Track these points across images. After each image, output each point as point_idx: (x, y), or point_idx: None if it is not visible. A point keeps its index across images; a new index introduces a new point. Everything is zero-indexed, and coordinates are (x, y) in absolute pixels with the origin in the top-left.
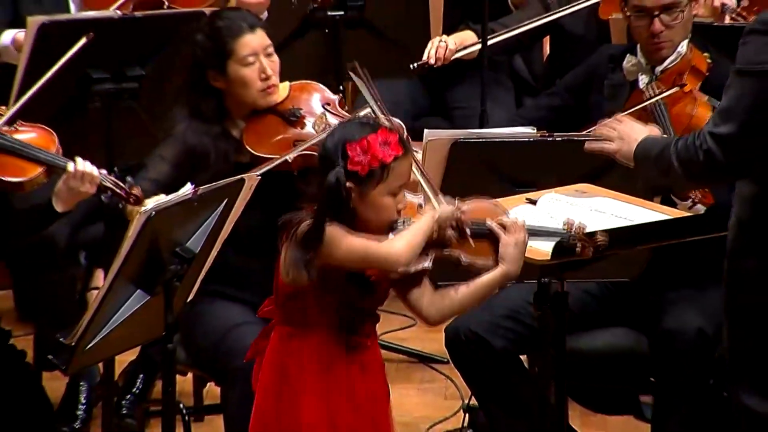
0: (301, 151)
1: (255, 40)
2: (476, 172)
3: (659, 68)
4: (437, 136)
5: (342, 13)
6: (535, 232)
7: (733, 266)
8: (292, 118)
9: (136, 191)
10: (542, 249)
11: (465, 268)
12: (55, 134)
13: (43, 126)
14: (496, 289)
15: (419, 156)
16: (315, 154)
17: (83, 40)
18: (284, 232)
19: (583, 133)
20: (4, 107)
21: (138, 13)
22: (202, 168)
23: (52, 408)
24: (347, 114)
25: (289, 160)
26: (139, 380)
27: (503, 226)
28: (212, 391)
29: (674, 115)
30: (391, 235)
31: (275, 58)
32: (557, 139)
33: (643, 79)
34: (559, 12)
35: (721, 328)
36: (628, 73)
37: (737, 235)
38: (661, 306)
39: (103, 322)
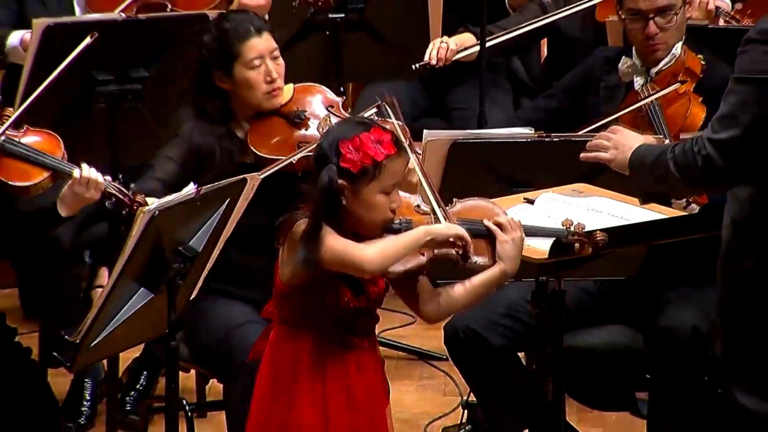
0: (306, 152)
1: (261, 44)
2: (475, 172)
3: (654, 70)
4: (436, 136)
5: (342, 15)
6: (534, 232)
7: (730, 267)
8: (297, 119)
9: (140, 198)
10: (540, 248)
11: (463, 267)
12: (60, 139)
13: (50, 131)
14: (495, 287)
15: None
16: None
17: (87, 40)
18: (281, 231)
19: (580, 133)
20: (11, 109)
21: (142, 16)
22: (208, 168)
23: (57, 404)
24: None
25: (294, 162)
26: (142, 377)
27: (500, 225)
28: (215, 388)
29: (669, 116)
30: (389, 236)
31: (281, 61)
32: (554, 139)
33: (638, 81)
34: (556, 14)
35: (716, 325)
36: (623, 74)
37: (733, 237)
38: (657, 304)
39: (107, 320)
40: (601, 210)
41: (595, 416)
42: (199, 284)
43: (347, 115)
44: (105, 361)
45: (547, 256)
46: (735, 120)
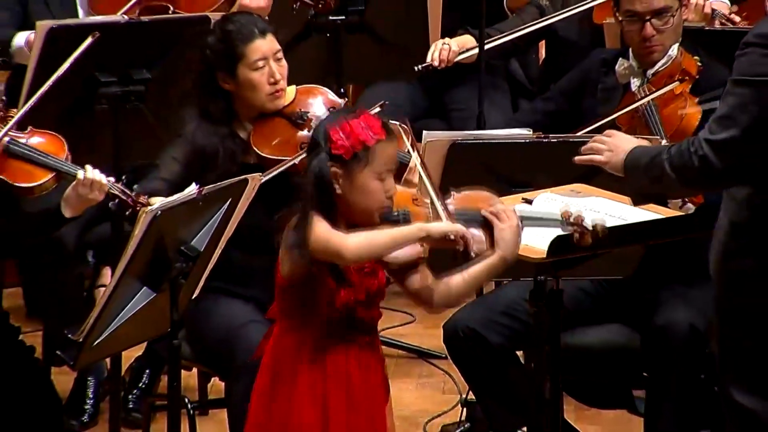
0: None
1: (265, 45)
2: (474, 173)
3: (651, 71)
4: (436, 137)
5: (343, 17)
6: (532, 220)
7: (728, 268)
8: (299, 121)
9: (143, 199)
10: (538, 247)
11: (464, 261)
12: (64, 141)
13: (54, 132)
14: (495, 274)
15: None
16: None
17: (89, 40)
18: (280, 227)
19: (578, 134)
20: (15, 110)
21: (144, 18)
22: (211, 168)
23: (61, 402)
24: None
25: (297, 163)
26: (145, 375)
27: (496, 214)
28: (216, 386)
29: (665, 117)
30: (386, 226)
31: (284, 62)
32: (552, 140)
33: (635, 82)
34: (554, 17)
35: (712, 324)
36: (620, 76)
37: (731, 238)
38: (654, 303)
39: (110, 319)
40: (598, 210)
41: (592, 414)
42: (201, 283)
43: None
44: (108, 360)
45: (545, 256)
46: (733, 121)
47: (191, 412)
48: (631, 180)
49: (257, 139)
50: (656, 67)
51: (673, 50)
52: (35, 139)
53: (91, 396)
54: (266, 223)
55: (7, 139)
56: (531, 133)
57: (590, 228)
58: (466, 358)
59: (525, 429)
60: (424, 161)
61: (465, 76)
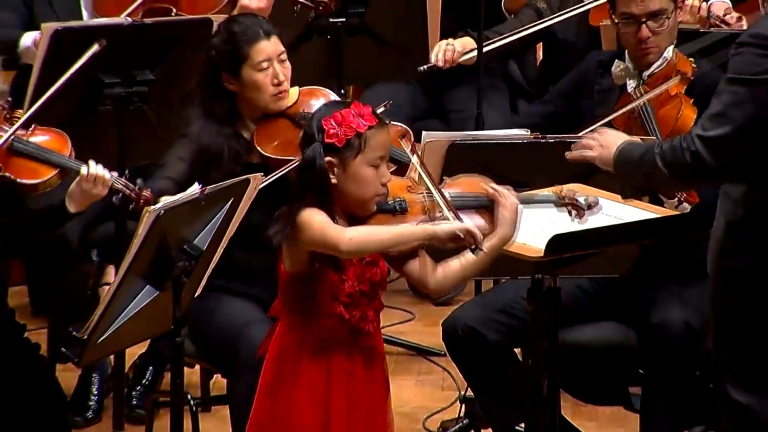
0: None
1: (270, 47)
2: (472, 173)
3: (646, 73)
4: (435, 137)
5: (343, 19)
6: (528, 201)
7: (725, 266)
8: (302, 121)
9: (146, 193)
10: (536, 246)
11: (471, 251)
12: (68, 137)
13: (57, 130)
14: (496, 253)
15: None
16: None
17: (95, 47)
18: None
19: (574, 135)
20: (20, 111)
21: (147, 20)
22: (215, 167)
23: (65, 399)
24: None
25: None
26: (148, 372)
27: (497, 194)
28: (219, 383)
29: (660, 117)
30: (383, 216)
31: (287, 64)
32: (550, 141)
33: (631, 84)
34: (552, 19)
35: (707, 322)
36: (616, 78)
37: (727, 236)
38: (650, 301)
39: (114, 317)
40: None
41: (589, 410)
42: (204, 282)
43: None
44: (112, 357)
45: (542, 255)
46: (727, 118)
47: (194, 408)
48: (622, 174)
49: (261, 139)
50: (652, 69)
51: (669, 52)
52: (39, 137)
53: (95, 392)
54: (268, 223)
55: (11, 137)
56: (528, 133)
57: (583, 204)
58: (464, 356)
59: (522, 425)
60: (423, 162)
61: (464, 77)
